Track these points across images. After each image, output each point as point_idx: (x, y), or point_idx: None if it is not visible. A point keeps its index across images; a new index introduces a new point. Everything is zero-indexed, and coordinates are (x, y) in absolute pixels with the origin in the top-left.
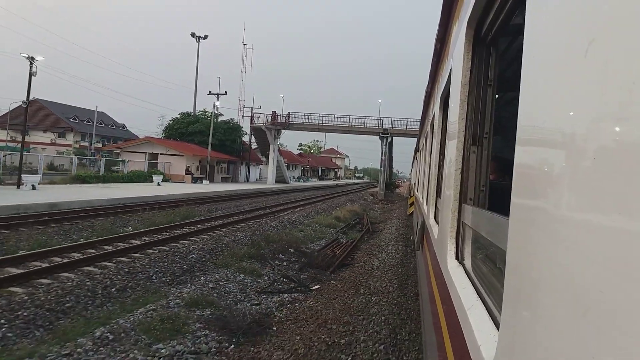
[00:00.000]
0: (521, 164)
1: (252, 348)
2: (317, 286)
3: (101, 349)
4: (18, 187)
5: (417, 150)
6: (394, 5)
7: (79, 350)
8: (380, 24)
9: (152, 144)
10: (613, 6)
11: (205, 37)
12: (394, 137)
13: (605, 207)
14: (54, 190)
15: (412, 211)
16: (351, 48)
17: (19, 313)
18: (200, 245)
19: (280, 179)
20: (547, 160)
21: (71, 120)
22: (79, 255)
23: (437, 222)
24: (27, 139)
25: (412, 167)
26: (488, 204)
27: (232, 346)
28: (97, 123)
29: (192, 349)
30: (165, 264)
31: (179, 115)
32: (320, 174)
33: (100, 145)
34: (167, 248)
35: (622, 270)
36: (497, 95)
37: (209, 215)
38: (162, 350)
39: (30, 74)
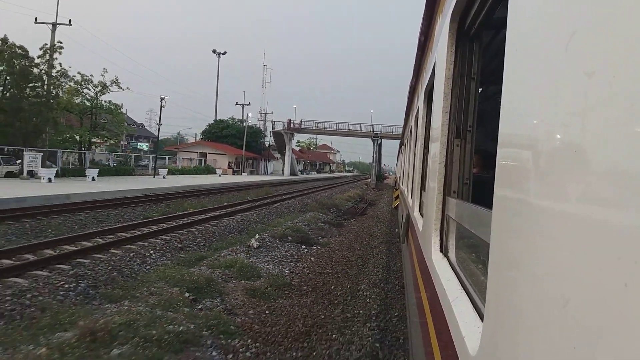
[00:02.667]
0: (504, 157)
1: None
2: (353, 220)
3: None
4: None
5: (401, 143)
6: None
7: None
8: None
9: (202, 145)
10: (594, 1)
11: (224, 53)
12: (382, 140)
13: (585, 200)
14: (174, 178)
15: (397, 204)
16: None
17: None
18: (292, 205)
19: (291, 172)
20: (529, 154)
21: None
22: (221, 211)
23: (421, 215)
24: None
25: (397, 160)
26: (472, 196)
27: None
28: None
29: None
30: (278, 210)
31: (213, 122)
32: (317, 167)
33: (125, 142)
34: (277, 205)
35: (601, 262)
36: (480, 89)
37: (271, 194)
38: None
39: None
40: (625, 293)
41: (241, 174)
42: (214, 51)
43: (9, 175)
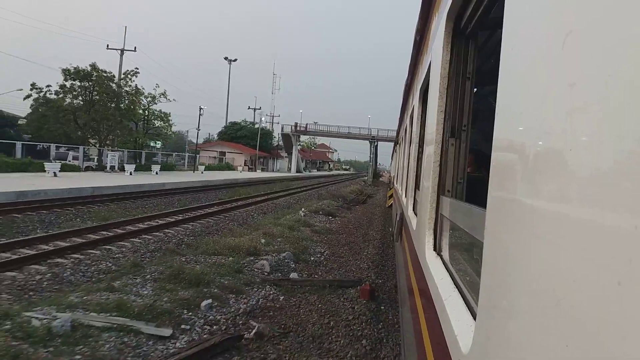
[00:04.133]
0: (498, 157)
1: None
2: (357, 206)
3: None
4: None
5: (396, 142)
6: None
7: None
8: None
9: (221, 145)
10: (590, 0)
11: (235, 60)
12: (379, 142)
13: (580, 200)
14: (208, 173)
15: (391, 203)
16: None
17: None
18: (311, 195)
19: (297, 169)
20: (524, 153)
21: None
22: (266, 197)
23: (415, 214)
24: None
25: (391, 159)
26: (466, 196)
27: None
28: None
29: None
30: (303, 198)
31: (229, 123)
32: (317, 165)
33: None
34: (300, 194)
35: (594, 261)
36: (475, 89)
37: (291, 187)
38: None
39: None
40: (619, 292)
41: (255, 171)
42: (226, 58)
43: (87, 169)
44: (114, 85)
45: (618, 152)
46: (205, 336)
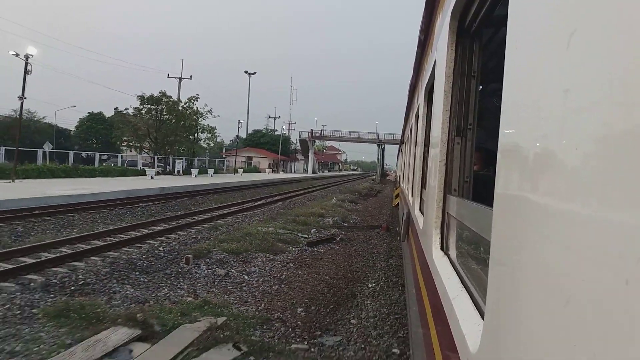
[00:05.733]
0: (504, 155)
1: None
2: (371, 198)
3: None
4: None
5: (402, 142)
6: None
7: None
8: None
9: (248, 150)
10: None
11: (254, 73)
12: (385, 145)
13: (587, 198)
14: (246, 175)
15: (398, 203)
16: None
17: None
18: (333, 190)
19: (312, 170)
20: (530, 152)
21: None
22: (303, 191)
23: (422, 213)
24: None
25: (397, 159)
26: (472, 194)
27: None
28: None
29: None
30: (329, 192)
31: (253, 131)
32: (328, 166)
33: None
34: (326, 189)
35: (602, 260)
36: (480, 87)
37: (315, 185)
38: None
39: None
40: (627, 291)
41: (278, 172)
42: (246, 72)
43: (157, 173)
44: (181, 108)
45: (625, 150)
46: (320, 236)
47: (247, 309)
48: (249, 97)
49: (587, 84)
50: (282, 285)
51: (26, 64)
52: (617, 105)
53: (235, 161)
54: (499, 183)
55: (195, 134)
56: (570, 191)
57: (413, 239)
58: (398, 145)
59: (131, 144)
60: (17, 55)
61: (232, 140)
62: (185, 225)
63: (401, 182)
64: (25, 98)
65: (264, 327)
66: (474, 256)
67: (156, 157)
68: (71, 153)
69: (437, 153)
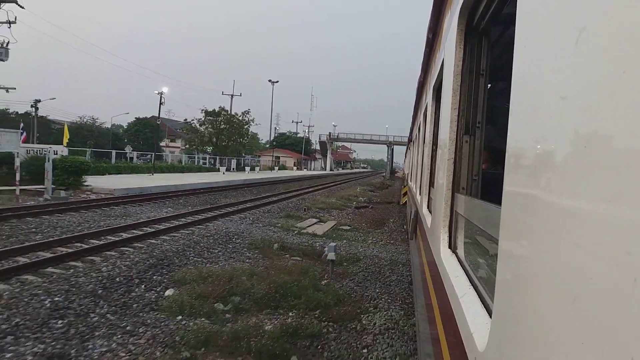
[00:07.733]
0: (513, 153)
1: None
2: (384, 190)
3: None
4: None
5: (409, 140)
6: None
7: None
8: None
9: (276, 151)
10: None
11: (277, 81)
12: (394, 145)
13: (595, 196)
14: (279, 172)
15: (405, 201)
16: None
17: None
18: (353, 184)
19: (330, 168)
20: (538, 150)
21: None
22: (332, 184)
23: (430, 212)
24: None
25: (405, 157)
26: (480, 193)
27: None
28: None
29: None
30: (351, 184)
31: (278, 134)
32: (341, 165)
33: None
34: (347, 183)
35: (610, 258)
36: (489, 85)
37: (337, 180)
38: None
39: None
40: (635, 288)
41: (302, 170)
42: (270, 80)
43: (216, 169)
44: (237, 120)
45: (634, 148)
46: (360, 204)
47: (342, 222)
48: (272, 104)
49: (596, 82)
50: (355, 217)
51: (160, 97)
52: (627, 103)
53: (272, 160)
54: (507, 181)
55: (243, 139)
56: (579, 189)
57: (421, 237)
58: (405, 146)
59: (198, 148)
60: (160, 94)
61: (260, 141)
62: (284, 199)
63: (409, 181)
64: (159, 121)
65: (352, 228)
66: (482, 255)
67: (217, 157)
68: (135, 153)
69: (445, 151)
